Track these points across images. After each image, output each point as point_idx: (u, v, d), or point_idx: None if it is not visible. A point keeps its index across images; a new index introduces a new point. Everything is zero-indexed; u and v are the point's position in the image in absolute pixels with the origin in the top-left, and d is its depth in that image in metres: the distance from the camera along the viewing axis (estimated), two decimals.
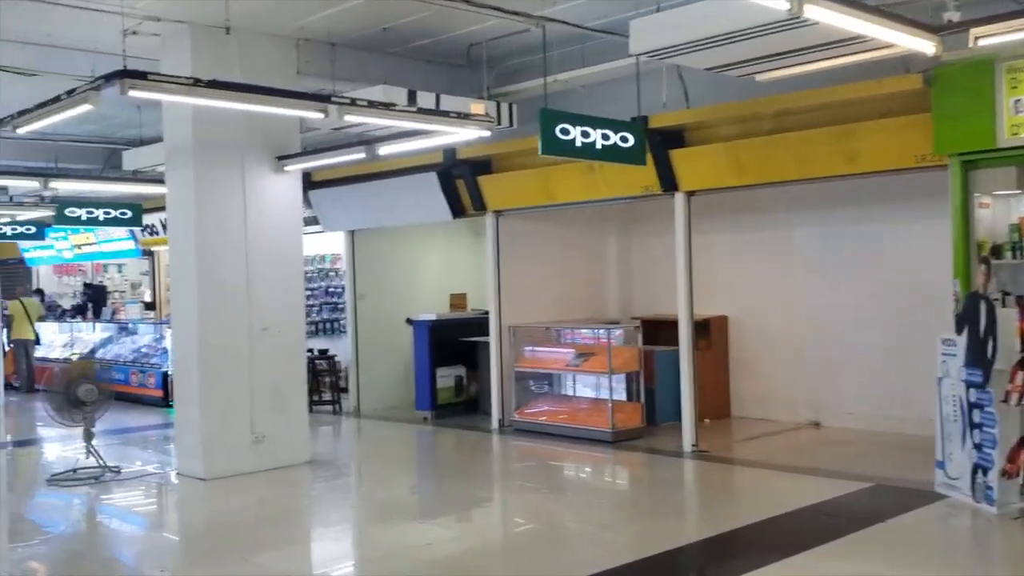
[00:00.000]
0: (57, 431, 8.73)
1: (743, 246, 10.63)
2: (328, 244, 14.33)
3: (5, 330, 15.24)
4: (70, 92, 5.52)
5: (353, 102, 6.04)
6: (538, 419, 10.27)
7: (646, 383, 9.97)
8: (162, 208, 16.16)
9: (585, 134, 7.50)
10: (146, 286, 20.31)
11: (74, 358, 15.49)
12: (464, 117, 6.81)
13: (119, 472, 8.39)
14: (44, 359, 16.00)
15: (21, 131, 6.19)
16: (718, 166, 8.55)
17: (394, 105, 6.44)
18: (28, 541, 6.75)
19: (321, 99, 5.91)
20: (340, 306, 14.72)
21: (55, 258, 19.58)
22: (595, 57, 9.13)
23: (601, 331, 10.10)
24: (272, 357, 8.48)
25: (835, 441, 9.19)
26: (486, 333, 11.15)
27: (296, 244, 8.83)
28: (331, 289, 15.28)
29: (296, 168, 8.62)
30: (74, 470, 8.32)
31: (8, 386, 14.96)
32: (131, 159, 11.48)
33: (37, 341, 15.86)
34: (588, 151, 7.51)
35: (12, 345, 15.48)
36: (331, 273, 15.40)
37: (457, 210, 10.85)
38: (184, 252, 8.23)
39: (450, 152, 10.51)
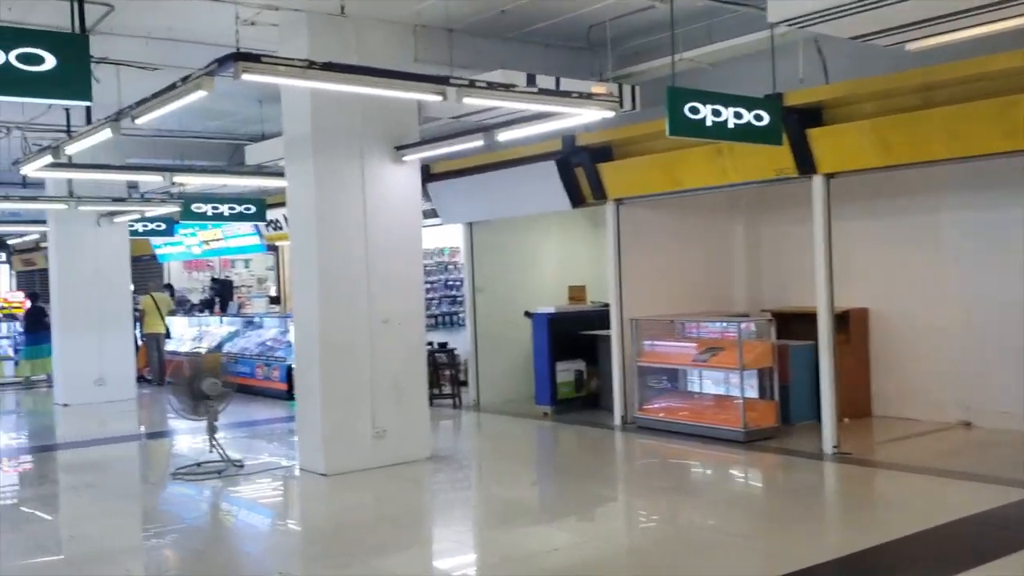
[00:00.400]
0: (187, 424, 8.85)
1: (884, 232, 9.90)
2: (447, 237, 14.21)
3: (137, 324, 15.73)
4: (185, 79, 5.42)
5: (472, 83, 5.75)
6: (663, 416, 9.82)
7: (780, 379, 9.38)
8: (285, 204, 16.54)
9: (716, 113, 7.04)
10: (271, 281, 20.79)
11: (202, 351, 15.91)
12: (587, 97, 6.42)
13: (242, 466, 8.40)
14: (174, 352, 16.47)
15: (139, 121, 6.17)
16: (861, 145, 7.90)
17: (514, 86, 6.11)
18: (149, 539, 6.76)
19: (439, 81, 5.64)
20: (459, 299, 14.61)
21: (185, 254, 20.21)
22: (723, 34, 8.60)
23: (731, 325, 9.56)
24: (393, 351, 8.32)
25: (989, 443, 8.43)
26: (606, 326, 10.77)
27: (415, 236, 8.65)
28: (450, 282, 15.20)
29: (414, 158, 8.43)
30: (198, 464, 8.37)
31: (140, 379, 15.45)
32: (253, 154, 11.58)
33: (168, 335, 16.34)
34: (719, 131, 7.05)
35: (144, 339, 15.99)
36: (450, 266, 15.31)
37: (576, 199, 10.49)
38: (305, 245, 8.16)
39: (569, 139, 10.16)
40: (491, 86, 5.90)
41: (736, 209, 11.36)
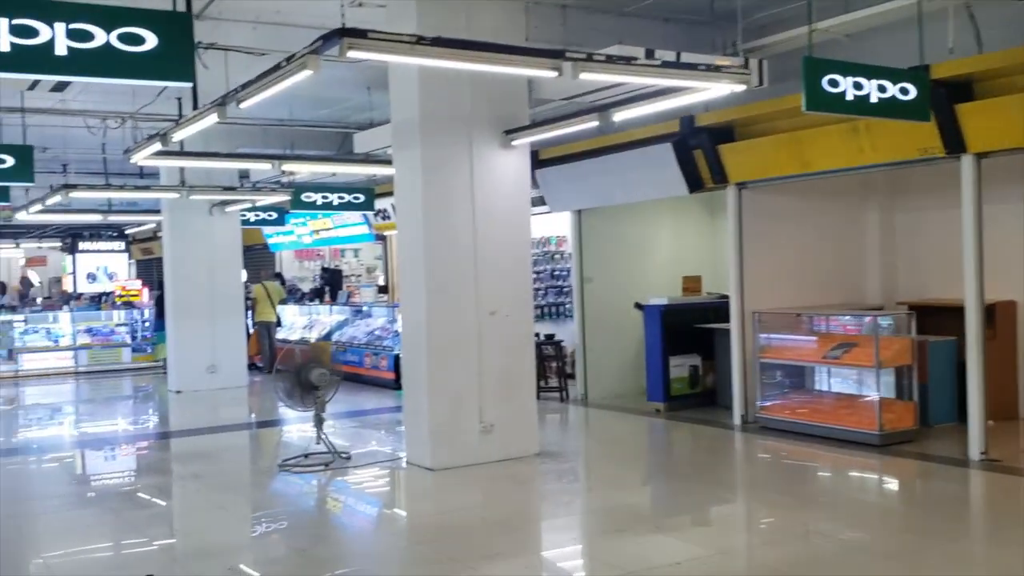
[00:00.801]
0: (295, 412, 8.71)
1: None
2: (553, 226, 13.82)
3: (249, 313, 15.92)
4: (289, 59, 5.17)
5: (590, 57, 5.31)
6: (788, 416, 9.18)
7: (918, 378, 8.64)
8: (393, 193, 16.45)
9: (857, 86, 6.41)
10: (380, 270, 20.84)
11: (311, 340, 15.99)
12: (715, 70, 5.90)
13: (349, 458, 8.22)
14: (285, 340, 16.62)
15: (244, 105, 6.00)
16: (1017, 122, 7.11)
17: (635, 59, 5.64)
18: (253, 536, 6.60)
19: (554, 55, 5.23)
20: (565, 289, 14.20)
21: (295, 243, 20.43)
22: (860, 2, 7.91)
23: (866, 319, 8.85)
24: (500, 343, 7.98)
25: None
26: (723, 319, 10.21)
27: (524, 224, 8.28)
28: (556, 272, 14.79)
29: (524, 142, 8.05)
30: (305, 455, 8.23)
31: (251, 366, 15.61)
32: (362, 142, 11.44)
33: (279, 323, 16.48)
34: (860, 106, 6.42)
35: (256, 327, 16.17)
36: (556, 256, 14.91)
37: (694, 183, 9.92)
38: (412, 234, 7.89)
39: (687, 120, 9.61)
40: (610, 60, 5.44)
41: (868, 193, 10.58)
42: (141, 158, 8.14)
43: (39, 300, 18.85)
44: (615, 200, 11.25)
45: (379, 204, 15.14)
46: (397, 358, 13.36)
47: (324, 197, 13.86)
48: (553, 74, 5.23)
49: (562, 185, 11.54)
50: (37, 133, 12.32)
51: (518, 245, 8.19)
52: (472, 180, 7.86)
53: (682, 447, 9.76)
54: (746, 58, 7.75)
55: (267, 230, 20.18)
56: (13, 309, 17.33)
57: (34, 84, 7.07)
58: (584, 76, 5.22)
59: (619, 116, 6.96)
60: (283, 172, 13.41)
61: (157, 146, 7.55)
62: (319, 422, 8.13)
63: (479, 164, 7.89)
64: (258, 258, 20.76)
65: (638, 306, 11.46)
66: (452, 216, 7.80)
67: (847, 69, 6.39)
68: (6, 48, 3.86)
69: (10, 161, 8.04)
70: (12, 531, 6.53)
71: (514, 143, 7.99)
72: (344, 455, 8.22)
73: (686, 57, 7.38)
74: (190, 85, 4.62)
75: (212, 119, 6.52)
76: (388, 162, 10.30)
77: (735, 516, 6.89)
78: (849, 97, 6.38)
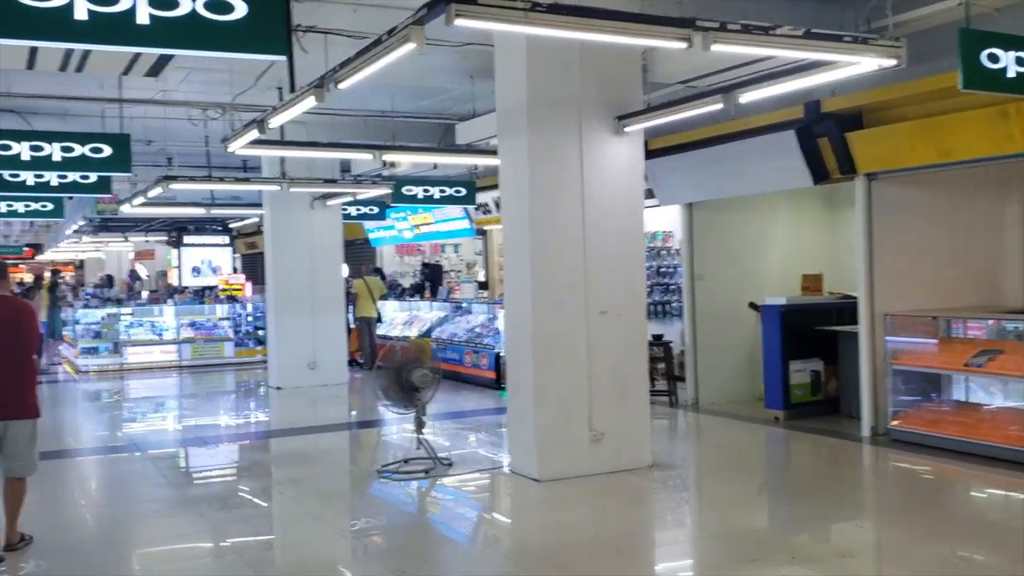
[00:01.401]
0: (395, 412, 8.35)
1: None
2: (659, 220, 13.17)
3: (350, 308, 15.75)
4: (391, 31, 4.74)
5: (723, 26, 4.71)
6: (925, 429, 8.35)
7: None
8: (495, 187, 16.01)
9: (1021, 61, 5.63)
10: (480, 266, 20.51)
11: (411, 336, 15.73)
12: (862, 42, 5.21)
13: (450, 465, 7.80)
14: (385, 337, 16.42)
15: (344, 85, 5.63)
16: None
17: (774, 28, 5.01)
18: (348, 550, 6.21)
19: (683, 24, 4.65)
20: (672, 287, 13.54)
21: (396, 238, 20.29)
22: None
23: (1017, 324, 7.97)
24: (611, 345, 7.44)
25: None
26: (845, 320, 9.45)
27: (637, 217, 7.72)
28: (663, 269, 14.13)
29: (638, 128, 7.49)
30: (405, 460, 7.85)
31: (351, 362, 15.46)
32: (464, 132, 11.04)
33: (379, 319, 16.29)
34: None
35: (357, 323, 16.00)
36: (662, 252, 14.25)
37: (819, 174, 9.15)
38: (517, 227, 7.42)
39: (812, 105, 8.87)
40: (747, 29, 4.84)
41: (1008, 186, 9.61)
42: (239, 146, 7.90)
43: (145, 294, 19.18)
44: (730, 192, 10.55)
45: (480, 198, 14.79)
46: (498, 357, 12.97)
47: (425, 190, 13.59)
48: (682, 45, 4.66)
49: (672, 177, 10.90)
50: (140, 125, 12.37)
51: (631, 239, 7.64)
52: (582, 169, 7.34)
53: (807, 461, 9.01)
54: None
55: (368, 224, 20.13)
56: (119, 302, 17.63)
57: (128, 67, 6.88)
58: (716, 48, 4.64)
59: (746, 97, 6.32)
60: (384, 164, 13.15)
61: (254, 133, 7.27)
62: (419, 425, 7.75)
63: (589, 152, 7.37)
64: (359, 253, 20.70)
65: (753, 306, 10.75)
66: (560, 208, 7.30)
67: (1010, 43, 5.65)
68: (83, 16, 3.52)
69: (107, 151, 7.91)
70: (102, 531, 6.35)
71: (627, 129, 7.43)
72: (445, 460, 7.82)
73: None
74: (284, 59, 4.23)
75: (309, 102, 6.18)
76: (491, 152, 9.89)
77: (880, 545, 6.15)
78: (1011, 74, 5.64)
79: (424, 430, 7.81)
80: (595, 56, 7.24)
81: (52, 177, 10.09)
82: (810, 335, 10.06)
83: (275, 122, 6.96)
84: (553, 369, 7.25)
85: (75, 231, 22.39)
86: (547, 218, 7.25)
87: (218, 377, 16.12)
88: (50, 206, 13.95)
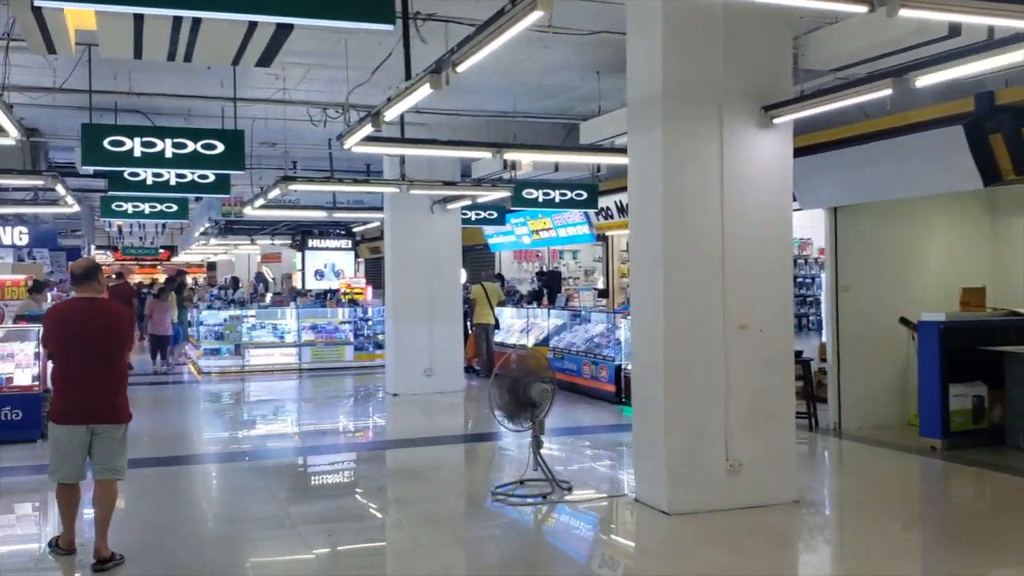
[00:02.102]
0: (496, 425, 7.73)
1: None
2: (796, 225, 12.19)
3: (467, 314, 15.34)
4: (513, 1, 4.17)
5: None
6: None
7: None
8: (617, 190, 15.33)
9: None
10: (598, 273, 19.84)
11: (528, 345, 15.20)
12: None
13: (570, 490, 7.15)
14: (501, 344, 15.95)
15: (463, 68, 5.09)
16: None
17: None
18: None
19: None
20: (808, 299, 12.57)
21: (515, 243, 19.84)
22: None
23: None
24: (752, 364, 6.66)
25: None
26: (1012, 340, 8.42)
27: (784, 221, 6.92)
28: (799, 279, 13.18)
29: (787, 119, 6.68)
30: (520, 482, 7.25)
31: (468, 369, 15.03)
32: (588, 131, 10.41)
33: (497, 326, 15.83)
34: None
35: (474, 329, 15.58)
36: (798, 260, 13.28)
37: (990, 175, 8.10)
38: (648, 231, 6.73)
39: (984, 97, 7.87)
40: None
41: None
42: (354, 142, 7.50)
43: (268, 296, 19.31)
44: (883, 195, 9.54)
45: (602, 202, 14.15)
46: (619, 369, 12.30)
47: (546, 194, 13.05)
48: (862, 9, 3.89)
49: (817, 178, 9.95)
50: (262, 127, 12.28)
51: (777, 246, 6.84)
52: (722, 166, 6.59)
53: (970, 499, 7.95)
54: None
55: (487, 230, 19.75)
56: (242, 304, 17.76)
57: (238, 55, 6.55)
58: (904, 13, 3.86)
59: (923, 80, 5.44)
60: (505, 165, 12.69)
61: (368, 128, 6.84)
62: (537, 445, 7.14)
63: (731, 146, 6.62)
64: (477, 258, 20.34)
65: (904, 321, 9.74)
66: (697, 209, 6.58)
67: None
68: None
69: (220, 147, 7.65)
70: (192, 551, 6.01)
71: (776, 121, 6.63)
72: (565, 485, 7.18)
73: None
74: (391, 28, 3.70)
75: (425, 90, 5.66)
76: (618, 151, 9.24)
77: None
78: None
79: (542, 451, 7.20)
80: (739, 39, 6.50)
81: (171, 177, 10.03)
82: (972, 356, 8.99)
83: (391, 113, 6.50)
84: (686, 389, 6.53)
85: (202, 233, 22.87)
86: (682, 221, 6.53)
87: (336, 381, 15.98)
88: (175, 207, 14.14)
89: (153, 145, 7.63)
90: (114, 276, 21.47)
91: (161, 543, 6.11)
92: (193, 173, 10.15)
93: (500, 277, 18.24)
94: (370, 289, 20.04)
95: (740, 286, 6.64)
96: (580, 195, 13.09)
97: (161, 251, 39.35)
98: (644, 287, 6.84)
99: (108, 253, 37.72)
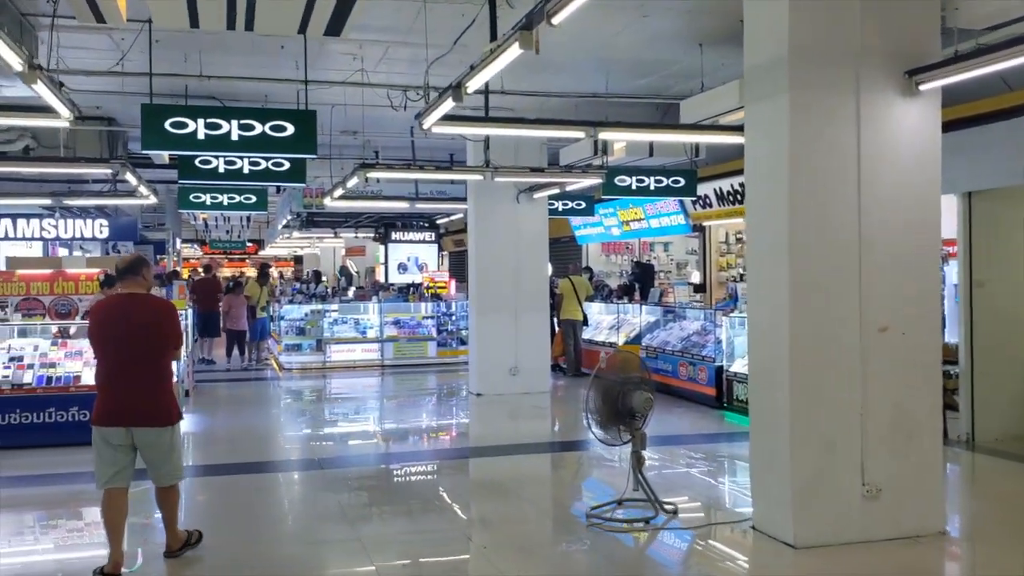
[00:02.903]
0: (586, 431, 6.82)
1: None
2: None
3: (555, 310, 14.53)
4: None
5: None
6: None
7: None
8: (718, 177, 14.30)
9: None
10: (691, 266, 18.79)
11: (619, 343, 14.33)
12: None
13: (675, 513, 6.29)
14: (590, 341, 15.12)
15: (559, 19, 4.30)
16: None
17: None
18: None
19: None
20: None
21: (604, 235, 18.95)
22: None
23: None
24: (893, 371, 5.69)
25: None
26: None
27: (932, 205, 5.91)
28: None
29: (937, 85, 5.68)
30: (618, 502, 6.41)
31: (554, 367, 14.24)
32: (690, 110, 9.47)
33: (585, 322, 14.99)
34: None
35: (561, 325, 14.77)
36: None
37: None
38: (769, 216, 5.81)
39: None
40: None
41: None
42: (434, 120, 6.77)
43: (351, 291, 18.86)
44: None
45: (701, 189, 13.17)
46: (719, 371, 11.35)
47: (640, 181, 12.17)
48: None
49: (948, 159, 8.80)
50: (341, 114, 11.71)
51: (923, 234, 5.84)
52: (859, 139, 5.63)
53: None
54: None
55: (574, 221, 18.91)
56: (324, 299, 17.31)
57: (303, 22, 5.89)
58: None
59: None
60: (595, 150, 11.84)
61: (449, 104, 6.10)
62: (638, 461, 6.29)
63: (870, 116, 5.65)
64: (564, 251, 19.52)
65: None
66: (829, 191, 5.63)
67: None
68: None
69: (290, 129, 7.01)
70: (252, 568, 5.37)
71: (922, 88, 5.64)
72: (668, 507, 6.32)
73: None
74: None
75: (512, 53, 4.88)
76: (728, 129, 8.33)
77: None
78: None
79: (644, 468, 6.35)
80: None
81: (243, 164, 9.51)
82: None
83: (474, 83, 5.74)
84: (815, 400, 5.60)
85: (285, 226, 22.61)
86: (811, 204, 5.60)
87: (419, 379, 15.38)
88: (254, 199, 13.71)
89: (218, 127, 7.03)
90: (201, 270, 21.40)
91: (216, 566, 5.50)
92: (267, 161, 9.61)
93: (588, 270, 17.37)
94: (454, 283, 19.39)
95: (880, 282, 5.67)
96: (677, 182, 12.16)
97: (248, 245, 39.75)
98: (764, 281, 5.93)
99: (195, 246, 38.27)
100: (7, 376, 8.98)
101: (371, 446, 9.70)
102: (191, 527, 5.78)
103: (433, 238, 24.73)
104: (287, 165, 9.59)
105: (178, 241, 28.33)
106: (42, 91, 5.57)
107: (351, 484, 7.83)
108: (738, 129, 8.13)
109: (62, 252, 18.12)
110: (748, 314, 6.24)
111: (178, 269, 24.04)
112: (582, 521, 6.24)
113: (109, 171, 9.04)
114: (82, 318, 9.89)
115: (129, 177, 9.57)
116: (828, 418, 5.61)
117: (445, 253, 28.62)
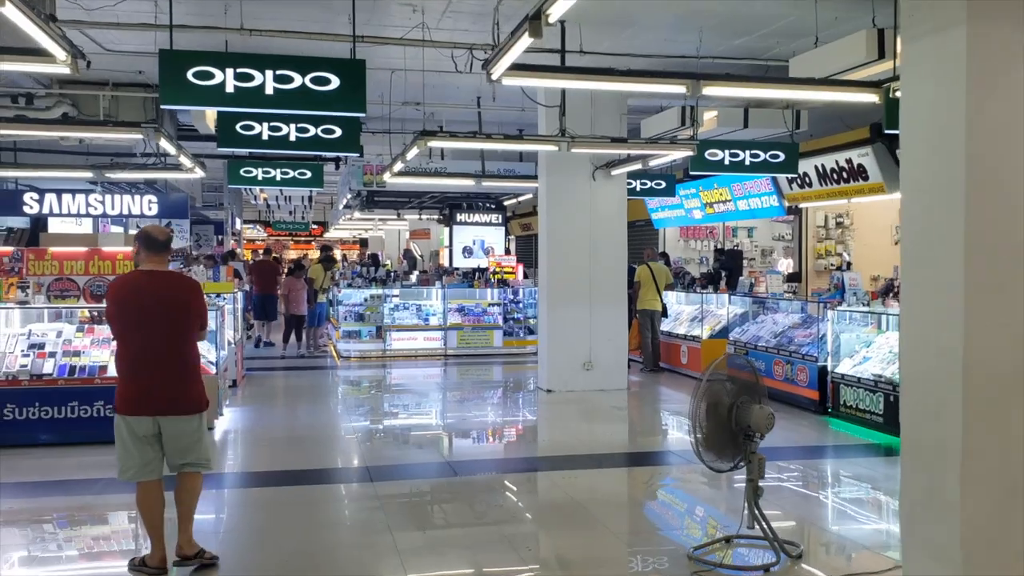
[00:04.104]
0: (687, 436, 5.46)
1: None
2: None
3: (631, 299, 13.25)
4: None
5: None
6: None
7: None
8: (822, 152, 12.78)
9: None
10: (778, 253, 17.32)
11: (703, 336, 13.01)
12: None
13: (799, 557, 5.04)
14: (669, 334, 13.83)
15: None
16: None
17: None
18: None
19: None
20: None
21: (683, 219, 17.55)
22: None
23: None
24: None
25: None
26: None
27: None
28: None
29: None
30: (726, 539, 5.19)
31: (630, 361, 12.98)
32: (801, 67, 8.12)
33: (664, 313, 13.70)
34: None
35: (638, 316, 13.50)
36: None
37: None
38: (934, 194, 4.47)
39: None
40: None
41: None
42: (505, 67, 5.56)
43: (414, 275, 17.82)
44: None
45: (801, 166, 11.75)
46: (823, 372, 10.02)
47: (734, 155, 10.82)
48: None
49: None
50: (400, 82, 10.68)
51: None
52: None
53: None
54: None
55: (651, 203, 17.57)
56: (384, 283, 16.32)
57: None
58: None
59: None
60: (683, 120, 10.54)
61: (525, 42, 4.90)
62: (755, 494, 5.05)
63: None
64: (639, 235, 18.17)
65: None
66: (1013, 158, 4.29)
67: None
68: None
69: (335, 81, 5.90)
70: None
71: None
72: (792, 549, 5.07)
73: None
74: None
75: None
76: (859, 86, 6.99)
77: None
78: None
79: (761, 501, 5.11)
80: None
81: (290, 131, 8.47)
82: None
83: (556, 8, 4.53)
84: (996, 433, 4.27)
85: (346, 206, 21.68)
86: (996, 180, 4.26)
87: (484, 371, 14.28)
88: (308, 174, 12.74)
89: (250, 78, 5.93)
90: (261, 252, 20.70)
91: None
92: (316, 127, 8.54)
93: (665, 256, 16.05)
94: (521, 268, 18.20)
95: None
96: (775, 156, 10.78)
97: (314, 227, 39.21)
98: (926, 280, 4.59)
99: (258, 227, 37.80)
100: (25, 366, 8.10)
101: (428, 453, 8.48)
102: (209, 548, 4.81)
103: (500, 220, 23.51)
104: (339, 132, 8.52)
105: (238, 221, 27.73)
106: (19, 20, 4.49)
107: (402, 503, 6.74)
108: (872, 85, 6.80)
109: (115, 231, 17.48)
110: (901, 319, 4.90)
111: (237, 250, 23.36)
112: (683, 561, 5.02)
113: (139, 136, 8.06)
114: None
115: (164, 144, 8.61)
116: (1013, 449, 4.29)
117: (512, 237, 27.47)
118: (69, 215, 13.98)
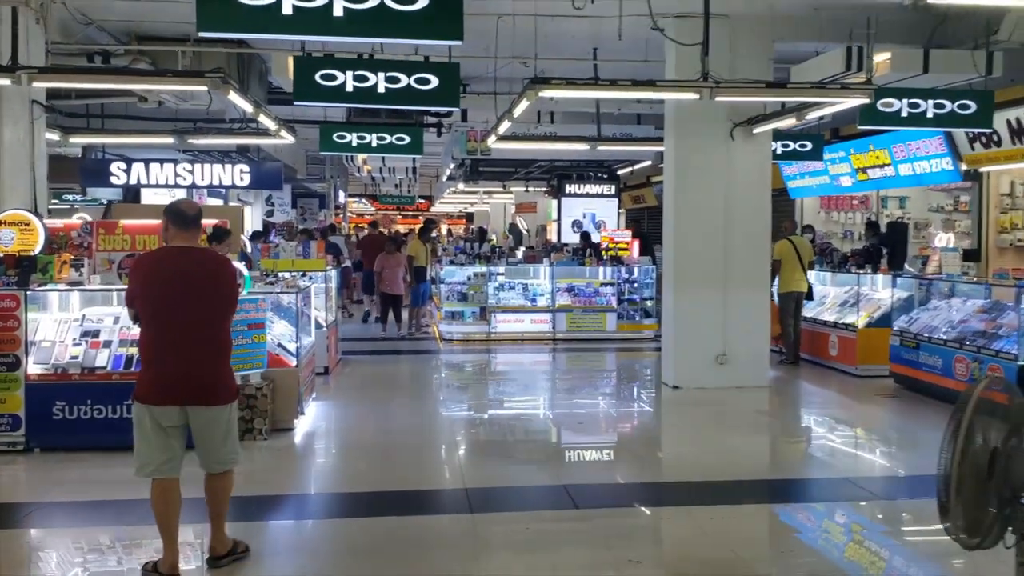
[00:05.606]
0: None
1: None
2: None
3: (773, 279, 11.41)
4: None
5: None
6: None
7: None
8: (1017, 102, 10.61)
9: None
10: (936, 226, 15.08)
11: (858, 324, 11.12)
12: None
13: None
14: (812, 320, 11.97)
15: None
16: None
17: None
18: None
19: None
20: None
21: (826, 187, 15.50)
22: None
23: None
24: None
25: None
26: None
27: None
28: None
29: None
30: None
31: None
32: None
33: (809, 294, 11.85)
34: None
35: (779, 299, 11.68)
36: None
37: None
38: None
39: None
40: None
41: None
42: None
43: (520, 251, 16.38)
44: None
45: (998, 119, 9.69)
46: (1021, 372, 8.06)
47: (913, 106, 8.92)
48: None
49: None
50: (507, 34, 9.21)
51: None
52: None
53: None
54: None
55: (788, 170, 15.60)
56: (488, 260, 14.93)
57: None
58: None
59: None
60: (849, 64, 8.68)
61: None
62: None
63: None
64: (775, 206, 16.24)
65: None
66: None
67: None
68: None
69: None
70: None
71: None
72: None
73: None
74: None
75: None
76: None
77: None
78: None
79: None
80: None
81: (378, 80, 7.09)
82: None
83: None
84: None
85: (449, 177, 20.36)
86: None
87: (596, 359, 12.76)
88: (406, 139, 11.42)
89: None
90: (366, 227, 19.69)
91: None
92: (408, 76, 7.16)
93: (810, 229, 14.11)
94: (637, 244, 16.48)
95: None
96: (965, 107, 8.81)
97: (420, 200, 38.27)
98: None
99: (364, 201, 37.05)
100: (76, 357, 6.99)
101: (539, 472, 6.75)
102: None
103: (612, 191, 21.72)
104: (435, 81, 7.13)
105: (342, 194, 26.86)
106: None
107: (503, 542, 5.29)
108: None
109: (213, 202, 16.64)
110: None
111: (339, 224, 22.42)
112: None
113: (204, 87, 6.80)
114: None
115: (234, 98, 7.35)
116: None
117: (623, 211, 25.67)
118: (157, 185, 13.06)
